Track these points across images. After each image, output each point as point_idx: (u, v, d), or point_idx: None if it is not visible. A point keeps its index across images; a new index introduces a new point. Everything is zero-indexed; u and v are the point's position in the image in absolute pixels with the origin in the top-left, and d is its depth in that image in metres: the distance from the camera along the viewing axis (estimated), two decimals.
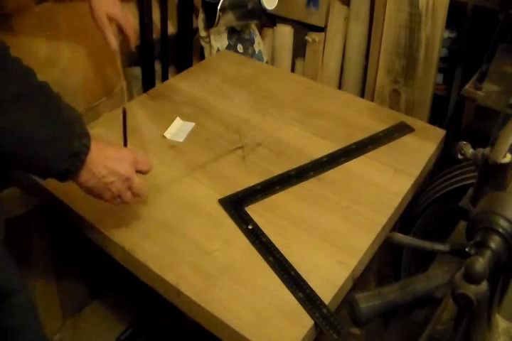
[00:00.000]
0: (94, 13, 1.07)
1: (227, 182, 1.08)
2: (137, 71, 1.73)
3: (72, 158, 0.75)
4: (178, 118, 1.22)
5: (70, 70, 1.30)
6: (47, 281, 1.23)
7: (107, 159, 0.80)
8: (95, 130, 1.20)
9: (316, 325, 0.82)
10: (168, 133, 1.19)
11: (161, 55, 1.76)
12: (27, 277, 1.16)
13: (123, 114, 0.91)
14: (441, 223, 1.16)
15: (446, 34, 1.75)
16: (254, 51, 1.87)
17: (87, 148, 0.77)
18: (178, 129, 1.21)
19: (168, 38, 1.74)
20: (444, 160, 1.31)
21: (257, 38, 1.89)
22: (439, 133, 1.25)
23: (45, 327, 1.07)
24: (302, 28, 2.01)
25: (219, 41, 1.75)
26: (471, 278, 0.51)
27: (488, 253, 0.54)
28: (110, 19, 1.09)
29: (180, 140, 1.19)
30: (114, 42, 1.09)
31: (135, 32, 1.14)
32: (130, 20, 1.14)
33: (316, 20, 1.97)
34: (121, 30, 1.12)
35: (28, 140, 0.70)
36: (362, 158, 1.16)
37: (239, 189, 1.06)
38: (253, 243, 0.95)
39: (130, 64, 1.71)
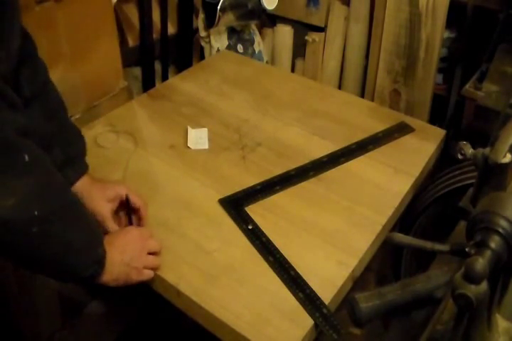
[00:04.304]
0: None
1: (227, 182, 1.08)
2: (137, 71, 1.73)
3: (96, 264, 0.78)
4: (188, 127, 1.21)
5: (70, 70, 1.30)
6: (47, 281, 1.22)
7: (119, 253, 0.82)
8: (95, 130, 1.20)
9: (316, 325, 0.82)
10: (191, 144, 1.17)
11: (161, 55, 1.77)
12: (27, 277, 1.16)
13: (126, 198, 0.93)
14: (441, 223, 1.16)
15: (446, 34, 1.75)
16: (254, 51, 1.87)
17: (105, 252, 0.80)
18: (196, 137, 1.19)
19: (168, 38, 1.74)
20: (444, 160, 1.31)
21: (257, 38, 1.89)
22: (439, 133, 1.25)
23: (45, 327, 1.07)
24: (302, 28, 2.01)
25: (219, 41, 1.75)
26: (471, 278, 0.51)
27: (488, 253, 0.54)
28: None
29: (206, 147, 1.17)
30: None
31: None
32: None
33: (316, 20, 1.97)
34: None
35: (65, 249, 0.74)
36: (362, 158, 1.16)
37: (239, 189, 1.06)
38: (253, 243, 0.95)
39: (130, 64, 1.71)
